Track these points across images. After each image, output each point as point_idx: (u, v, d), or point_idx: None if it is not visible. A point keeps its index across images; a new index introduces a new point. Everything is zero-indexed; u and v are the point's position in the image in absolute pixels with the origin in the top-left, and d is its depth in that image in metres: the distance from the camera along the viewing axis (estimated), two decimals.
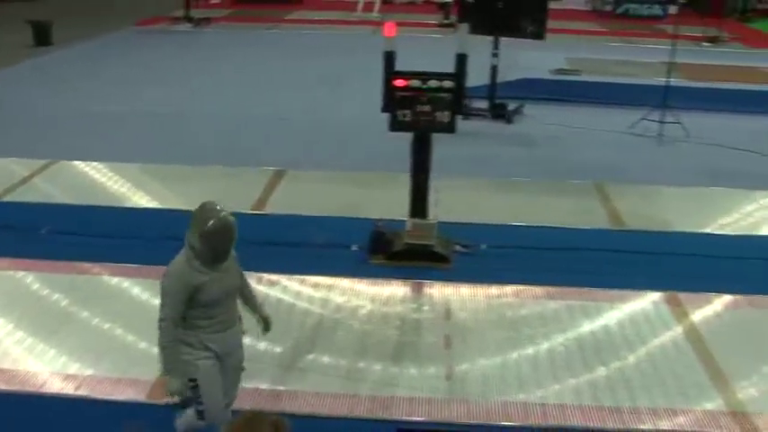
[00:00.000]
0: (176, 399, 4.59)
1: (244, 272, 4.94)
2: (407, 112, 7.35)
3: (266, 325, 5.04)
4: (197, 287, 4.43)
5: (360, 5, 23.33)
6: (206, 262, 4.44)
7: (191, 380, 4.57)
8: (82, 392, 5.74)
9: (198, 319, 4.53)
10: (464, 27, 7.66)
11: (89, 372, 5.98)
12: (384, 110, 7.48)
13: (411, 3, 26.85)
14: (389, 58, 7.38)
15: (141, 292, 7.21)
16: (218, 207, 4.45)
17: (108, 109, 12.97)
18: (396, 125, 7.49)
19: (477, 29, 11.32)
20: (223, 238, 4.41)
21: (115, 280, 7.42)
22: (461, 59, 7.40)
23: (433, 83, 7.29)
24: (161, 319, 4.48)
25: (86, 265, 7.62)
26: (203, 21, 21.70)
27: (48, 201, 9.22)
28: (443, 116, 7.37)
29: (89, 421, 5.50)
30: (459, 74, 7.41)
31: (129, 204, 9.25)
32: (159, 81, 15.10)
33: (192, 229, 4.42)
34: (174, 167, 10.29)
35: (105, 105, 13.19)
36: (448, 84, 7.33)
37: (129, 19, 21.82)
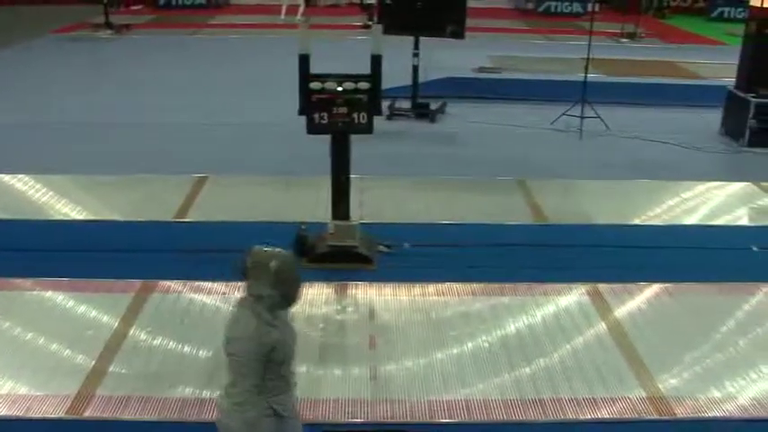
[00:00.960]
0: None
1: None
2: (324, 114, 7.34)
3: None
4: (273, 346, 3.98)
5: (284, 9, 23.19)
6: (282, 306, 4.06)
7: None
8: None
9: (270, 380, 4.05)
10: (378, 28, 7.67)
11: (6, 389, 5.84)
12: (301, 113, 7.45)
13: (335, 5, 26.84)
14: (304, 61, 7.35)
15: (63, 305, 7.05)
16: (266, 248, 4.07)
17: (21, 119, 12.63)
18: (313, 128, 7.46)
19: (395, 29, 11.38)
20: (293, 272, 4.06)
21: (35, 293, 7.21)
22: (376, 60, 7.41)
23: (348, 85, 7.29)
24: (245, 391, 4.03)
25: (4, 280, 7.39)
26: (124, 27, 21.32)
27: None
28: (361, 117, 7.37)
29: None
30: (375, 75, 7.42)
31: (49, 216, 8.97)
32: (76, 89, 14.75)
33: (254, 280, 4.01)
34: (94, 177, 10.03)
35: (19, 115, 12.83)
36: (364, 85, 7.34)
37: (47, 27, 21.32)
